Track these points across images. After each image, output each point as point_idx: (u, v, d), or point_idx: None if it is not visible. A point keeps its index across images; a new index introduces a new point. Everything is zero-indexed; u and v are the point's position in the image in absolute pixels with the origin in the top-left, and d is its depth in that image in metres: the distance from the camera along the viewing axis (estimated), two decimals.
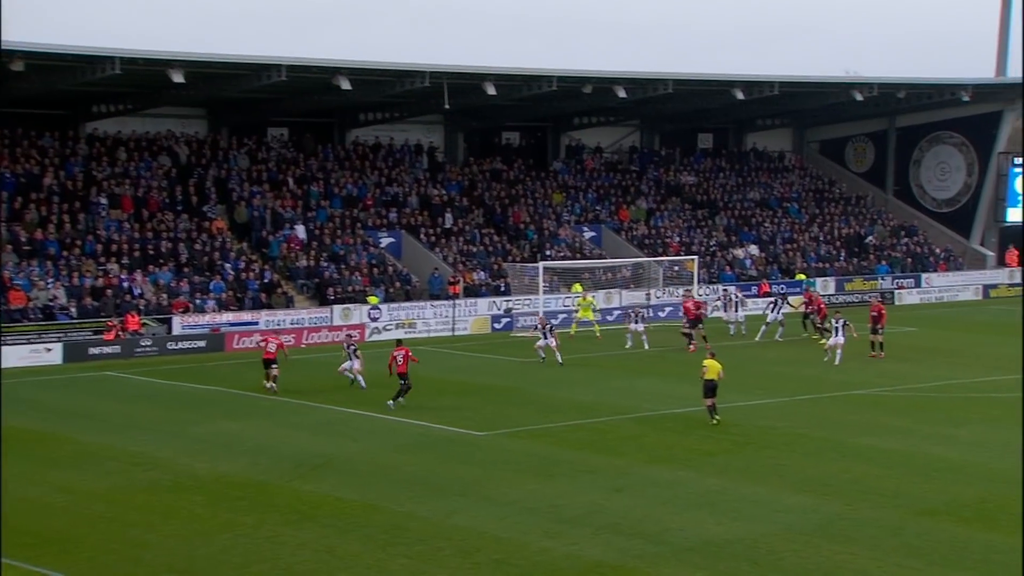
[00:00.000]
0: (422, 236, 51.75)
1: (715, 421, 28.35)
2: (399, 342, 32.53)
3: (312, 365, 37.74)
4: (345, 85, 45.83)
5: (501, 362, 39.35)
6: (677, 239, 57.52)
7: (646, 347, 41.38)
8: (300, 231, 49.26)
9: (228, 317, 43.11)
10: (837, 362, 37.55)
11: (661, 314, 48.89)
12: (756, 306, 48.91)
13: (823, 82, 59.09)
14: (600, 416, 29.63)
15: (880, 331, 39.77)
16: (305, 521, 20.64)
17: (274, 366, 32.74)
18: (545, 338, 38.14)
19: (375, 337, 43.89)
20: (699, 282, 51.05)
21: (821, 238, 61.76)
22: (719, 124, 67.17)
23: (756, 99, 56.94)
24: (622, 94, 51.89)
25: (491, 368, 38.08)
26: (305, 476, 23.62)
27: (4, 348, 37.44)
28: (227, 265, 46.00)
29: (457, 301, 46.84)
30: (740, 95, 54.56)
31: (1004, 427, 28.47)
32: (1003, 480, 23.41)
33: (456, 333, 45.57)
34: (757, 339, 43.40)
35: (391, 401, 30.40)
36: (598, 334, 44.33)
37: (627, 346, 41.71)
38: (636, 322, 42.38)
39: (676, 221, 59.38)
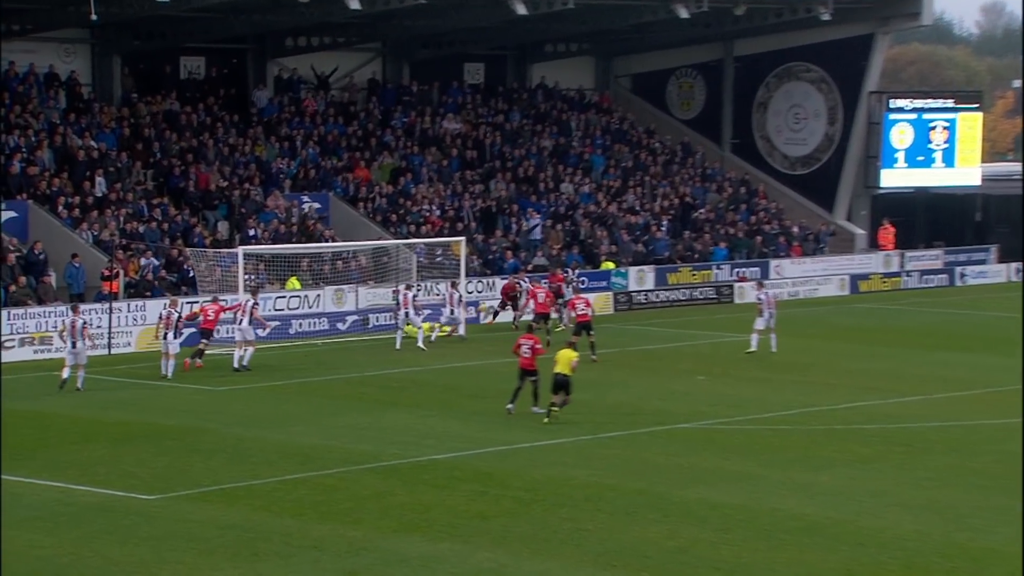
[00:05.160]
0: (60, 209, 50.48)
1: (546, 420, 33.32)
2: (530, 328, 35.67)
3: None
4: None
5: (182, 392, 38.81)
6: (437, 212, 58.04)
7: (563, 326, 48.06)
8: None
9: None
10: (755, 347, 44.61)
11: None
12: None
13: None
14: (328, 467, 29.60)
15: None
16: None
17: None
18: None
19: None
20: (467, 274, 51.62)
21: (639, 208, 63.37)
22: (493, 51, 68.06)
23: (543, 15, 57.95)
24: (354, 4, 51.94)
25: (167, 401, 37.54)
26: None
27: None
28: None
29: (115, 304, 45.91)
30: (521, 9, 55.40)
31: (876, 471, 29.88)
32: (875, 543, 24.55)
33: (113, 351, 44.65)
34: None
35: (535, 407, 34.37)
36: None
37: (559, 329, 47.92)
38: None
39: (435, 186, 59.89)
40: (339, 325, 49.08)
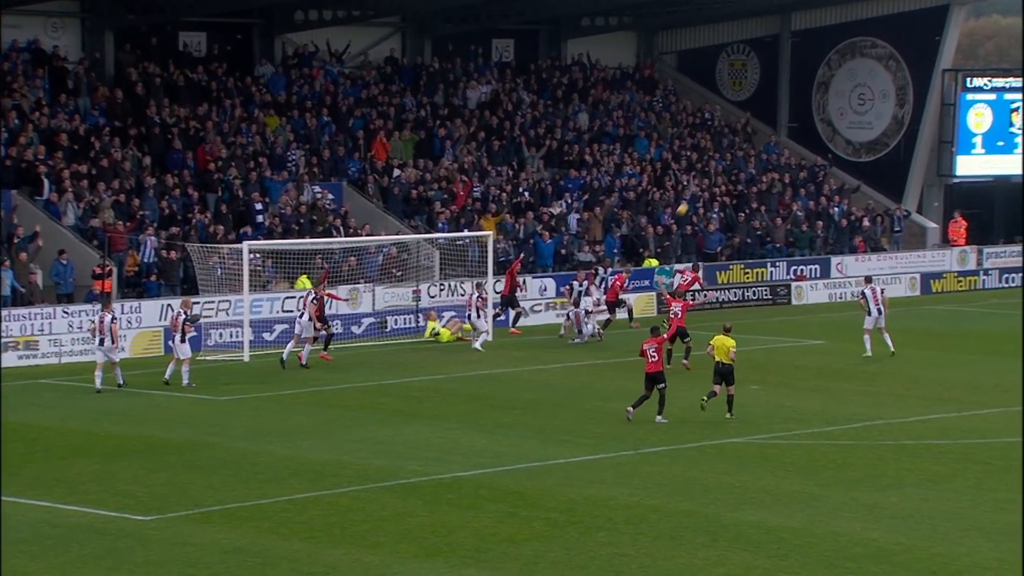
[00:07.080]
0: (48, 192, 50.53)
1: (728, 415, 35.58)
2: (655, 330, 36.87)
3: None
4: None
5: (182, 402, 38.97)
6: (462, 191, 58.07)
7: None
8: None
9: None
10: (869, 351, 45.44)
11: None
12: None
13: None
14: (342, 485, 29.71)
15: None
16: None
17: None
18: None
19: None
20: (495, 272, 51.70)
21: (685, 189, 63.15)
22: (524, 25, 68.04)
23: None
24: None
25: (165, 412, 37.73)
26: None
27: None
28: None
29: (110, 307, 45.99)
30: None
31: (951, 491, 29.77)
32: (950, 572, 24.50)
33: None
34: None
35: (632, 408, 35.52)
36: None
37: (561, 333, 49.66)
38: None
39: (461, 161, 59.80)
40: (354, 328, 49.18)
